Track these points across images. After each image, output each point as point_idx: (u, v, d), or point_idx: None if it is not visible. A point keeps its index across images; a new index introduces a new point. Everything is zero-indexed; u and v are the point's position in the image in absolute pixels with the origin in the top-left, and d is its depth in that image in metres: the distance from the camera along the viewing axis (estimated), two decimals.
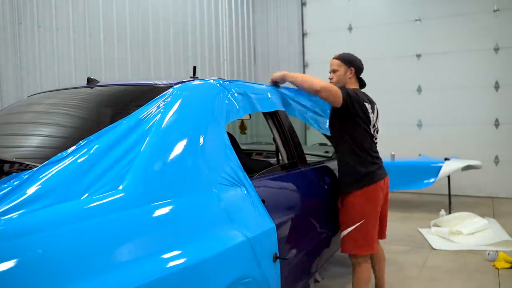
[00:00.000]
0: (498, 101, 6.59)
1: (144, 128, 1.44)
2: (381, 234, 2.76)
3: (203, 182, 1.53)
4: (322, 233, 2.48)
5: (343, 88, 2.50)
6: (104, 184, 1.24)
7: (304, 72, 8.05)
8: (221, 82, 1.96)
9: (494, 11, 6.53)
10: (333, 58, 2.69)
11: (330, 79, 2.65)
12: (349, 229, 2.47)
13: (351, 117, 2.46)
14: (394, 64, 6.97)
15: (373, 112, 2.58)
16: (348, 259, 3.44)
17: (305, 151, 2.64)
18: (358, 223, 2.45)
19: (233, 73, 7.25)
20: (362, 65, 2.71)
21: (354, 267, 2.56)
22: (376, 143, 2.63)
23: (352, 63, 2.64)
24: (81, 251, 1.06)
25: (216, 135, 1.69)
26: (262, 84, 2.38)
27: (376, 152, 2.61)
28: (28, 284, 0.94)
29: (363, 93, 2.64)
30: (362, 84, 2.74)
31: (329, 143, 3.74)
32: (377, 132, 2.61)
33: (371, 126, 2.53)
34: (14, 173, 1.21)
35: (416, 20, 7.03)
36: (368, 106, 2.52)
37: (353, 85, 2.64)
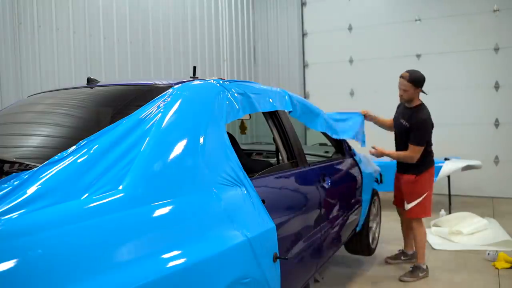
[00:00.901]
0: (498, 101, 6.59)
1: (144, 128, 1.44)
2: None
3: (203, 182, 1.53)
4: (323, 233, 2.48)
5: (420, 129, 3.30)
6: (104, 184, 1.23)
7: (304, 72, 8.06)
8: (221, 82, 1.96)
9: (494, 11, 6.53)
10: (402, 78, 3.37)
11: (401, 96, 3.41)
12: (420, 199, 3.38)
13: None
14: (394, 64, 6.96)
15: None
16: (348, 259, 3.43)
17: (305, 151, 2.64)
18: (426, 194, 3.38)
19: (233, 73, 7.25)
20: (424, 79, 3.37)
21: (416, 228, 3.44)
22: None
23: (419, 83, 3.33)
24: (81, 251, 1.06)
25: (216, 135, 1.69)
26: (272, 88, 2.41)
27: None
28: (28, 284, 0.94)
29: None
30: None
31: (329, 143, 3.75)
32: None
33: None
34: (14, 173, 1.21)
35: (416, 20, 7.03)
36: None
37: (418, 98, 3.39)
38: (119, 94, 1.93)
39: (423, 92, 3.37)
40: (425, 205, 3.40)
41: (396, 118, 3.55)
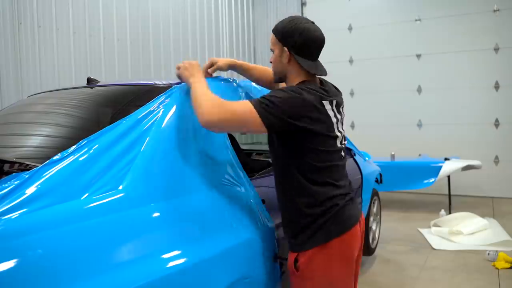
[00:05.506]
0: (498, 101, 6.59)
1: (144, 128, 1.44)
2: None
3: (203, 182, 1.53)
4: None
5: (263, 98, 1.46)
6: (104, 184, 1.24)
7: None
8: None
9: (494, 11, 6.53)
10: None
11: (271, 62, 1.77)
12: None
13: (302, 136, 1.48)
14: (394, 64, 6.96)
15: (336, 111, 1.60)
16: None
17: None
18: None
19: (233, 72, 7.25)
20: (313, 38, 1.57)
21: None
22: (344, 160, 1.66)
23: (289, 37, 1.57)
24: (81, 251, 1.06)
25: (216, 135, 1.69)
26: None
27: (345, 177, 1.65)
28: (28, 284, 0.94)
29: (315, 84, 1.60)
30: (318, 71, 1.64)
31: None
32: (342, 143, 1.65)
33: (337, 140, 1.58)
34: (14, 173, 1.21)
35: (416, 20, 7.03)
36: (326, 104, 1.53)
37: (296, 76, 1.63)
38: (119, 94, 1.93)
39: (310, 67, 1.61)
40: None
41: None
